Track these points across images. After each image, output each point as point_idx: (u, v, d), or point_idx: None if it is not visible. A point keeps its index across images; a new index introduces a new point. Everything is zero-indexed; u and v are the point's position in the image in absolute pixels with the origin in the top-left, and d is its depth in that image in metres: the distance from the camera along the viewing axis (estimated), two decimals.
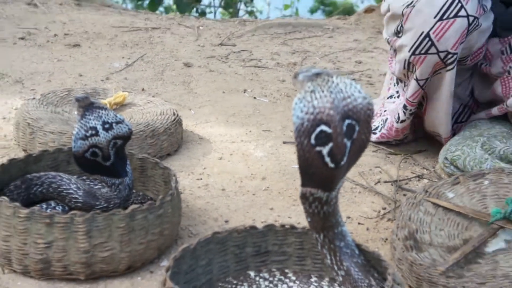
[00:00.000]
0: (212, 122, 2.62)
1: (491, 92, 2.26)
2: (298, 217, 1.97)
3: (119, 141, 1.76)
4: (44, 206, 1.85)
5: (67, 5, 4.15)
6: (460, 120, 2.48)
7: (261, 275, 1.62)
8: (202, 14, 7.09)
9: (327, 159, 1.36)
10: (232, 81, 3.04)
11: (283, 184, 2.22)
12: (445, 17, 2.07)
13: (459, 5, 2.06)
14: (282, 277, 1.61)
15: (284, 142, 2.54)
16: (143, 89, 2.88)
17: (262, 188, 2.18)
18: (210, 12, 7.57)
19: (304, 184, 1.42)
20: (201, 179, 2.21)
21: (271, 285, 1.61)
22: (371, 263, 1.52)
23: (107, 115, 1.76)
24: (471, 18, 2.08)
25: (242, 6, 7.60)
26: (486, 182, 1.91)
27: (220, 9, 7.65)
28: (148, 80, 3.00)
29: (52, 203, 1.85)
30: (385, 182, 2.24)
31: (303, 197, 1.44)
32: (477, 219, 1.81)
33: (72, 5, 4.17)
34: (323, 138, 1.35)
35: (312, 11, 10.25)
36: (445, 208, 1.85)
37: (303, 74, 1.40)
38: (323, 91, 1.37)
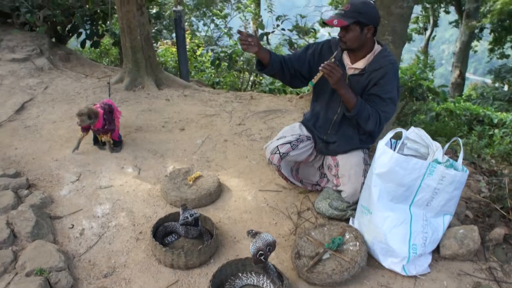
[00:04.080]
0: (233, 178, 2.60)
1: (331, 181, 2.30)
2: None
3: (196, 218, 2.05)
4: (170, 236, 2.12)
5: (181, 97, 3.87)
6: (322, 177, 2.39)
7: (243, 274, 1.76)
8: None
9: (263, 259, 1.67)
10: (242, 150, 2.94)
11: (257, 215, 2.29)
12: (273, 153, 2.22)
13: (277, 150, 2.21)
14: (249, 275, 1.76)
15: (259, 190, 2.49)
16: (207, 159, 2.81)
17: (249, 218, 2.25)
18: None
19: (255, 264, 1.68)
20: (226, 213, 2.31)
21: (246, 277, 1.76)
22: (280, 274, 1.71)
23: (191, 211, 2.05)
24: (282, 154, 2.20)
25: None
26: (325, 229, 2.02)
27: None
28: (209, 151, 2.93)
29: (173, 234, 2.11)
30: (294, 214, 2.26)
31: (257, 267, 1.74)
32: (321, 246, 1.91)
33: (182, 97, 3.89)
34: (261, 255, 1.66)
35: None
36: (310, 240, 1.97)
37: (251, 234, 1.68)
38: (259, 240, 1.66)
